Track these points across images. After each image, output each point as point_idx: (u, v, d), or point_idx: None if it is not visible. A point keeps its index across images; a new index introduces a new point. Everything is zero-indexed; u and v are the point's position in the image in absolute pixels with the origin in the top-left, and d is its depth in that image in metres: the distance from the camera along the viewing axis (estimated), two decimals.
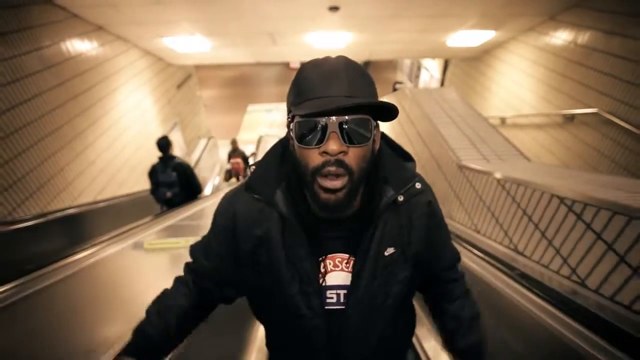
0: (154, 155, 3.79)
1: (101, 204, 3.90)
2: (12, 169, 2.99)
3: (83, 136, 4.04)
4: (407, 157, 0.74)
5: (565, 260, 1.60)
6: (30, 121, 3.24)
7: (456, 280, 0.82)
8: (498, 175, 1.95)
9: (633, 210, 1.29)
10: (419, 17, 4.70)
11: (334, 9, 4.13)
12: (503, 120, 5.64)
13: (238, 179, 7.43)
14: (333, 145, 0.56)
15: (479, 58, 6.65)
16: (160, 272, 1.86)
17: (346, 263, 0.68)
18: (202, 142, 8.05)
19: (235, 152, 7.45)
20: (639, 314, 1.22)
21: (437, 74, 8.73)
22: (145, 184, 5.22)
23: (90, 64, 4.28)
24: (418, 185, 0.70)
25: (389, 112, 0.60)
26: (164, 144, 3.63)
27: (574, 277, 1.53)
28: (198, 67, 8.17)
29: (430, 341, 1.83)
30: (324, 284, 0.68)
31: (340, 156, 0.57)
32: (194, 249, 0.78)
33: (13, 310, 1.35)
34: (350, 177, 0.58)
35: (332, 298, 0.69)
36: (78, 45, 4.05)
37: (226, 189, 1.63)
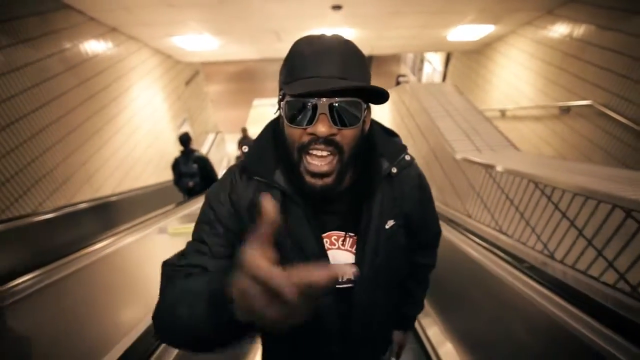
0: (166, 150, 4.06)
1: (122, 196, 4.16)
2: (41, 164, 3.25)
3: (101, 133, 4.29)
4: (392, 134, 0.77)
5: (534, 232, 1.80)
6: (54, 120, 3.49)
7: (435, 247, 0.93)
8: (500, 168, 2.14)
9: (590, 192, 1.50)
10: (419, 14, 4.84)
11: (337, 7, 4.30)
12: (503, 113, 5.77)
13: None
14: (322, 127, 0.55)
15: (480, 51, 6.76)
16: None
17: (342, 241, 0.69)
18: (210, 137, 8.29)
19: (245, 139, 8.03)
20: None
21: (440, 67, 8.83)
22: (158, 178, 5.49)
23: (106, 64, 4.51)
24: (407, 157, 0.73)
25: (380, 95, 0.58)
26: (185, 139, 4.05)
27: (546, 252, 1.75)
28: (205, 64, 8.37)
29: (433, 328, 2.04)
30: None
31: (330, 136, 0.57)
32: (178, 262, 0.64)
33: (69, 281, 1.59)
34: (340, 156, 0.58)
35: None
36: (94, 47, 4.28)
37: None
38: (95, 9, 3.99)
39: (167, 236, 2.18)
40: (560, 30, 4.56)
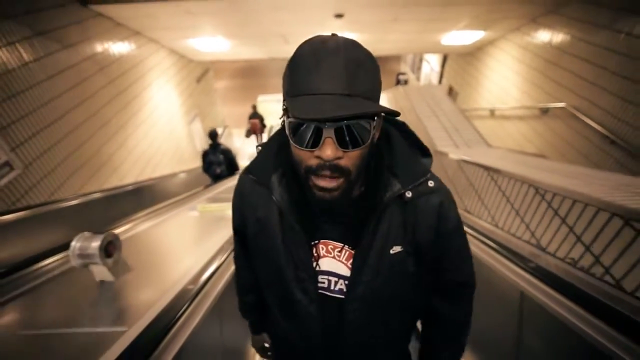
0: (179, 144, 4.62)
1: (144, 183, 4.65)
2: (79, 155, 3.75)
3: (125, 127, 4.77)
4: (424, 152, 0.70)
5: (487, 210, 2.29)
6: (89, 117, 3.98)
7: (459, 299, 0.77)
8: (454, 156, 2.63)
9: (520, 177, 1.99)
10: (415, 21, 5.28)
11: (339, 16, 4.75)
12: (493, 112, 6.23)
13: (256, 135, 9.40)
14: (328, 151, 0.53)
15: (473, 54, 7.19)
16: (210, 227, 2.59)
17: (338, 251, 0.67)
18: (219, 131, 8.76)
19: (255, 114, 9.38)
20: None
21: (437, 67, 9.25)
22: (172, 169, 5.98)
23: (129, 64, 4.98)
24: (431, 184, 0.66)
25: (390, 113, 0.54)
26: (214, 134, 4.91)
27: (491, 223, 2.23)
28: (214, 62, 8.81)
29: None
30: (317, 269, 0.67)
31: (336, 160, 0.54)
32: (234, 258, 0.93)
33: (132, 240, 2.08)
34: (346, 177, 0.57)
35: (323, 283, 0.68)
36: (120, 49, 4.75)
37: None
38: (122, 15, 4.45)
39: (197, 213, 2.67)
40: (542, 38, 5.00)
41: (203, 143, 7.85)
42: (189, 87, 7.36)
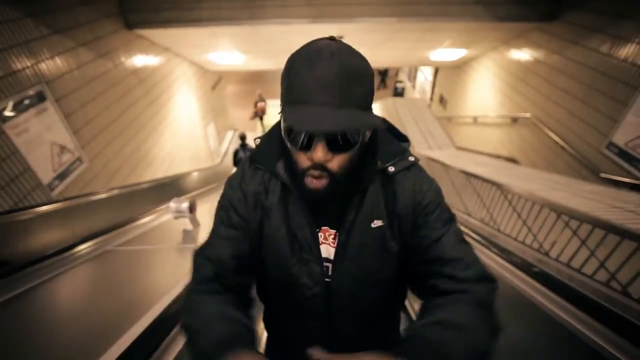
0: (198, 144, 5.58)
1: (173, 178, 5.48)
2: (125, 152, 4.58)
3: (157, 129, 5.61)
4: (402, 139, 0.75)
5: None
6: (132, 120, 4.81)
7: (456, 279, 0.64)
8: (424, 154, 3.46)
9: (456, 168, 2.81)
10: (406, 40, 6.11)
11: (340, 37, 5.58)
12: (475, 119, 7.04)
13: (261, 118, 11.26)
14: (319, 153, 0.57)
15: (460, 67, 8.02)
16: None
17: (333, 238, 0.70)
18: (230, 134, 9.62)
19: (260, 100, 11.82)
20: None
21: (430, 77, 10.09)
22: (191, 167, 6.80)
23: (160, 75, 5.83)
24: (411, 158, 0.70)
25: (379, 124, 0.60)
26: (243, 136, 6.13)
27: (463, 210, 3.04)
28: (226, 71, 9.67)
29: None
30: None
31: (325, 162, 0.59)
32: (204, 253, 0.73)
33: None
34: (331, 178, 0.60)
35: (325, 269, 0.71)
36: (154, 63, 5.60)
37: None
38: (157, 36, 5.30)
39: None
40: (512, 57, 5.83)
41: (216, 144, 8.70)
42: (205, 94, 8.22)
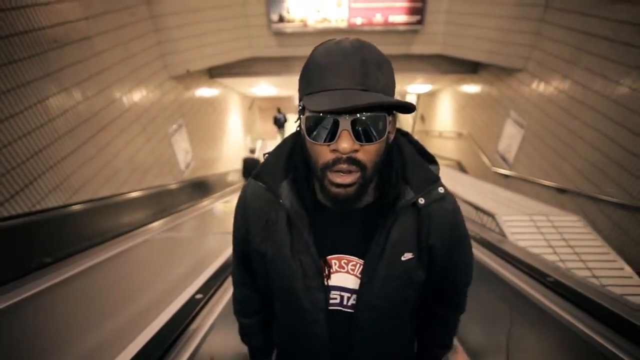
0: (239, 153, 8.51)
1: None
2: (209, 154, 7.43)
3: (222, 140, 8.46)
4: (430, 160, 0.71)
5: None
6: (211, 134, 7.67)
7: (458, 301, 0.82)
8: None
9: None
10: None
11: None
12: (440, 133, 9.74)
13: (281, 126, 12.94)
14: (344, 143, 0.53)
15: (433, 94, 10.78)
16: None
17: (352, 265, 0.67)
18: (260, 142, 12.50)
19: (278, 113, 13.07)
20: None
21: (414, 100, 12.87)
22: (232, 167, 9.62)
23: (223, 103, 8.72)
24: (441, 190, 0.67)
25: (406, 107, 0.55)
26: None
27: None
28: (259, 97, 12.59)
29: None
30: (329, 283, 0.68)
31: (353, 154, 0.55)
32: (233, 277, 0.87)
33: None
34: (363, 172, 0.57)
35: (335, 299, 0.69)
36: (220, 95, 8.50)
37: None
38: (223, 80, 8.19)
39: None
40: (457, 92, 8.56)
41: (247, 152, 11.56)
42: (244, 114, 11.14)
